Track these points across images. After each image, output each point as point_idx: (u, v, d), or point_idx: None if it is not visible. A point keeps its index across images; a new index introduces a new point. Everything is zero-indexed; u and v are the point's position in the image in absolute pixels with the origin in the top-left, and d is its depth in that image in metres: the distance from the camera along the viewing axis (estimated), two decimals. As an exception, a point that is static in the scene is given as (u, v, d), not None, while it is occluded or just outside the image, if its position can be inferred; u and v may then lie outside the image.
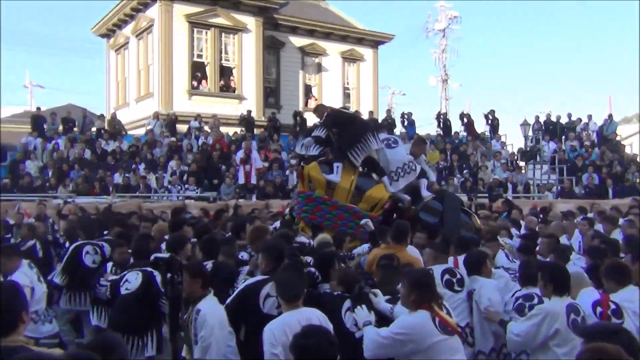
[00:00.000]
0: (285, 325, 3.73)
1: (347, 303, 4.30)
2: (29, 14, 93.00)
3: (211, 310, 3.96)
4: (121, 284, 4.70)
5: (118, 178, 16.27)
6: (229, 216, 10.48)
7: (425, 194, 8.38)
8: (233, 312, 4.32)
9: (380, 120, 22.14)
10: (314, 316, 3.84)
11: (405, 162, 8.34)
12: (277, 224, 8.68)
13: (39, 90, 43.00)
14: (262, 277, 4.62)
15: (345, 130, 8.20)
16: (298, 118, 20.95)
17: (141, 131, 20.57)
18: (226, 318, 4.13)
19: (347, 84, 27.32)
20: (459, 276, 5.31)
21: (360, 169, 8.28)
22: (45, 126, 19.53)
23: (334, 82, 26.70)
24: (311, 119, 17.45)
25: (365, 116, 21.86)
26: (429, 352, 3.70)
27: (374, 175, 8.31)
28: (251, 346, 4.08)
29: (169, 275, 3.10)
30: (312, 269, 4.78)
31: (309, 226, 7.95)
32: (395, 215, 8.21)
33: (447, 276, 5.27)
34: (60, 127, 19.60)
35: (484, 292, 5.06)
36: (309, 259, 5.12)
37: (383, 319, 4.20)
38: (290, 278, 3.94)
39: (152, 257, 3.23)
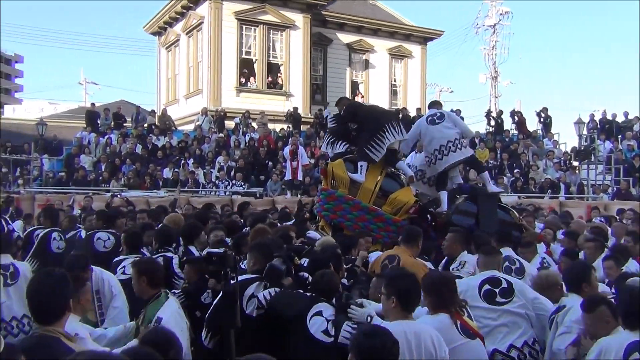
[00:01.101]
0: (402, 332, 3.25)
1: (319, 307, 3.97)
2: (84, 15, 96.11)
3: (173, 319, 3.71)
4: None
5: (168, 173, 16.61)
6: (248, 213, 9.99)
7: (493, 188, 8.00)
8: (217, 312, 4.19)
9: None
10: (426, 332, 3.37)
11: (450, 140, 7.75)
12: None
13: (93, 87, 44.38)
14: (248, 277, 4.40)
15: (362, 126, 7.84)
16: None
17: (190, 127, 20.95)
18: (187, 327, 3.95)
19: (395, 81, 27.09)
20: (504, 285, 4.44)
21: (389, 171, 7.90)
22: (98, 121, 20.10)
23: (381, 79, 26.51)
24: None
25: (413, 113, 21.65)
26: (450, 356, 3.54)
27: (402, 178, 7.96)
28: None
29: (222, 270, 3.09)
30: (304, 274, 4.50)
31: (329, 225, 7.67)
32: (427, 219, 7.81)
33: (487, 286, 4.43)
34: (112, 123, 20.16)
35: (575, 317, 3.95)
36: (304, 261, 4.88)
37: None
38: (417, 286, 3.55)
39: (205, 252, 3.24)
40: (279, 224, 7.83)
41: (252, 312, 4.18)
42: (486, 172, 8.25)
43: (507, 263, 5.59)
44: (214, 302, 4.08)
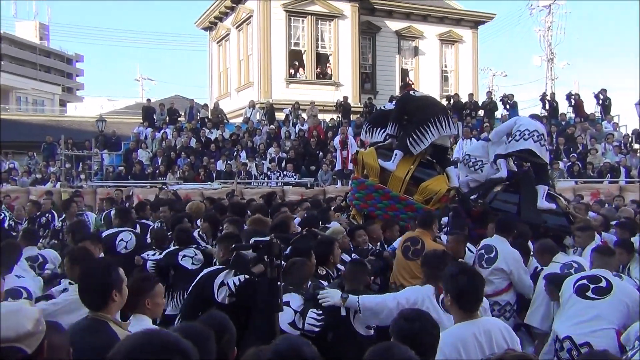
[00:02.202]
0: (458, 340, 3.20)
1: (286, 297, 3.93)
2: (138, 13, 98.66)
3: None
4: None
5: (221, 165, 16.99)
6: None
7: (544, 204, 7.14)
8: (192, 301, 4.49)
9: (480, 104, 21.42)
10: (495, 327, 3.31)
11: (538, 130, 7.23)
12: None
13: (149, 83, 45.66)
14: (218, 267, 4.66)
15: (410, 117, 7.61)
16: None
17: (242, 120, 21.32)
18: None
19: (445, 67, 26.66)
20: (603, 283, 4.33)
21: (423, 160, 7.69)
22: (154, 117, 20.72)
23: (431, 66, 26.15)
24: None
25: (465, 99, 21.29)
26: None
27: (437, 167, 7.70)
28: None
29: (267, 258, 3.21)
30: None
31: (360, 214, 7.62)
32: (468, 208, 7.50)
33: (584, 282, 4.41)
34: (167, 118, 20.75)
35: None
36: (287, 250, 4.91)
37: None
38: (472, 283, 3.41)
39: (252, 241, 3.36)
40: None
41: (224, 299, 4.32)
42: (546, 186, 7.43)
43: (482, 250, 5.63)
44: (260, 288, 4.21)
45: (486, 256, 5.54)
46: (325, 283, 4.55)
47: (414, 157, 7.55)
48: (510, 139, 7.41)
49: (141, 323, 3.20)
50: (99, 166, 18.96)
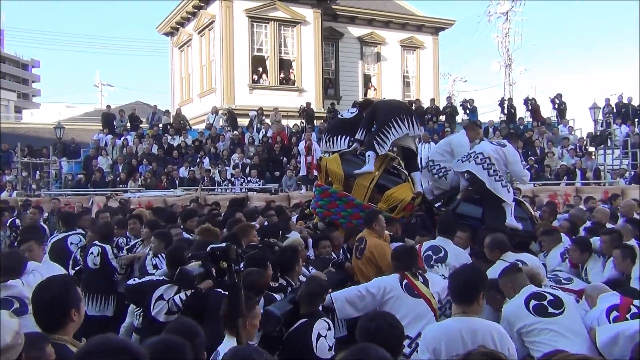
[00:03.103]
0: (442, 333, 3.37)
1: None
2: (97, 18, 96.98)
3: None
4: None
5: (184, 172, 16.81)
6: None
7: (512, 222, 6.76)
8: (131, 294, 4.59)
9: (441, 109, 21.79)
10: (485, 329, 3.34)
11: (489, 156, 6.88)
12: (294, 219, 8.65)
13: (109, 89, 44.84)
14: (159, 279, 4.56)
15: (376, 119, 7.47)
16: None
17: (205, 126, 21.14)
18: None
19: (407, 72, 27.03)
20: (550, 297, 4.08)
21: (389, 167, 7.53)
22: (115, 123, 20.36)
23: (393, 71, 26.47)
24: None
25: (426, 104, 21.62)
26: (387, 304, 4.26)
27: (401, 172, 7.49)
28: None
29: (225, 264, 3.19)
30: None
31: (323, 222, 7.43)
32: (433, 216, 7.45)
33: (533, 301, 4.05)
34: (128, 124, 20.42)
35: None
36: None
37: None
38: (467, 279, 3.51)
39: (209, 247, 3.33)
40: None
41: (159, 315, 4.17)
42: (512, 204, 6.98)
43: (429, 252, 5.52)
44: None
45: (435, 256, 5.48)
46: (278, 296, 4.32)
47: (379, 164, 7.38)
48: (457, 159, 7.22)
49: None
50: (57, 174, 18.52)
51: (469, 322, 3.34)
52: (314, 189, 8.30)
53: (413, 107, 20.80)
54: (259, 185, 16.12)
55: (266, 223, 7.69)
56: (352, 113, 8.36)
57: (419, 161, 8.20)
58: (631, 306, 3.91)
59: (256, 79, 23.18)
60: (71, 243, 7.23)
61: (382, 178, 7.31)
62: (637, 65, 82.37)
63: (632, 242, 6.12)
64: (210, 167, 16.86)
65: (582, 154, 18.24)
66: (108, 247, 6.63)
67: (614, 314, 3.88)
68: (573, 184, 15.91)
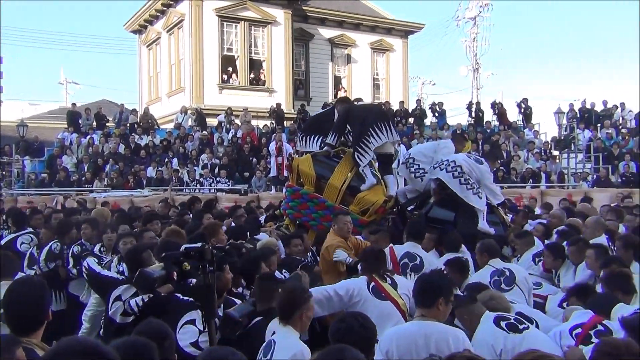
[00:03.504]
0: (395, 336, 3.37)
1: (192, 315, 3.80)
2: (63, 13, 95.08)
3: None
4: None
5: (151, 172, 16.58)
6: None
7: (484, 226, 6.80)
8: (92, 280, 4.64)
9: (410, 111, 21.99)
10: (441, 335, 3.30)
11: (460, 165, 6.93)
12: (262, 218, 8.53)
13: (74, 87, 43.86)
14: (119, 277, 4.53)
15: (352, 127, 7.36)
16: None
17: (173, 125, 20.90)
18: None
19: (377, 74, 27.21)
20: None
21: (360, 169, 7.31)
22: (80, 122, 19.97)
23: (363, 74, 26.62)
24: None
25: (395, 106, 21.78)
26: (354, 308, 4.21)
27: (371, 175, 7.25)
28: None
29: (201, 264, 3.14)
30: (193, 280, 4.12)
31: (294, 224, 7.32)
32: (405, 220, 7.33)
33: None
34: (94, 123, 20.05)
35: None
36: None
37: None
38: (425, 282, 3.52)
39: (182, 247, 3.28)
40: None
41: (115, 315, 4.06)
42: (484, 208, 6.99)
43: (406, 259, 5.44)
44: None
45: (411, 264, 5.43)
46: (238, 301, 4.19)
47: (351, 166, 7.25)
48: (432, 165, 7.23)
49: (288, 339, 3.21)
50: (20, 173, 18.04)
51: (424, 326, 3.32)
52: (284, 190, 8.11)
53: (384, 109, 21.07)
54: (228, 185, 16.00)
55: (233, 224, 7.54)
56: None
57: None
58: (598, 324, 3.78)
59: (226, 78, 23.02)
60: (22, 243, 6.96)
61: (354, 180, 7.17)
62: (598, 71, 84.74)
63: (603, 237, 6.25)
64: (178, 167, 16.66)
65: (546, 157, 18.62)
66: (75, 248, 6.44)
67: (578, 330, 3.77)
68: (538, 187, 16.21)
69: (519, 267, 5.46)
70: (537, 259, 6.22)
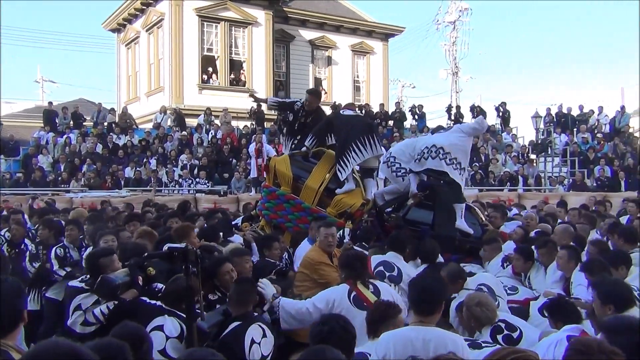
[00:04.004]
0: (392, 341, 3.22)
1: (158, 321, 3.62)
2: (40, 11, 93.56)
3: None
4: None
5: (129, 172, 16.39)
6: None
7: (462, 224, 6.91)
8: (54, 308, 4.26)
9: (390, 114, 22.09)
10: (440, 340, 3.21)
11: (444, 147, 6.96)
12: (239, 220, 8.39)
13: (51, 86, 43.22)
14: (80, 286, 4.13)
15: (336, 138, 7.17)
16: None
17: (152, 125, 20.71)
18: None
19: (357, 77, 27.29)
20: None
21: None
22: (57, 121, 19.68)
23: (344, 76, 26.68)
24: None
25: (376, 109, 21.86)
26: None
27: (350, 178, 7.14)
28: None
29: (184, 265, 3.09)
30: (158, 285, 4.07)
31: (269, 225, 7.17)
32: (383, 223, 7.30)
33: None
34: (71, 122, 19.77)
35: None
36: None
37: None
38: (426, 287, 3.35)
39: (166, 247, 3.24)
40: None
41: (75, 325, 3.82)
42: (463, 205, 7.11)
43: (381, 267, 5.22)
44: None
45: (388, 274, 5.15)
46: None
47: (329, 167, 7.15)
48: (414, 159, 7.21)
49: None
50: (-6, 172, 17.69)
51: (422, 331, 3.23)
52: (261, 190, 7.99)
53: (363, 112, 21.15)
54: (208, 186, 15.90)
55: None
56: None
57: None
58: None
59: (206, 79, 22.89)
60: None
61: (332, 181, 7.05)
62: (577, 75, 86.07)
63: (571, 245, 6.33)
64: (156, 168, 16.50)
65: (524, 161, 18.86)
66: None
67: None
68: (515, 190, 16.42)
69: (489, 277, 5.29)
70: (505, 263, 6.24)
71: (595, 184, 17.27)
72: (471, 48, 39.06)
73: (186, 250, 3.11)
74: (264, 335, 3.55)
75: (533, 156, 20.38)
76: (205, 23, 22.69)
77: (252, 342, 3.47)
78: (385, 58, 27.84)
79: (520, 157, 18.96)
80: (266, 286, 4.19)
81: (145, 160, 17.09)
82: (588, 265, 4.91)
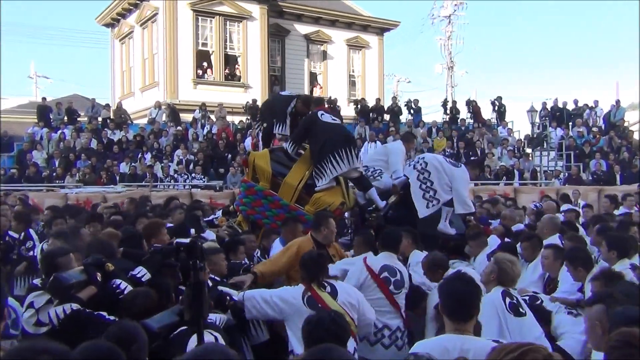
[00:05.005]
0: (430, 350, 2.87)
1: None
2: (33, 5, 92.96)
3: None
4: None
5: (124, 167, 16.32)
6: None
7: (444, 228, 6.85)
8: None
9: (385, 108, 22.07)
10: (480, 350, 2.84)
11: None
12: (219, 213, 8.22)
13: (44, 81, 42.99)
14: (34, 283, 3.99)
15: (313, 148, 6.93)
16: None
17: (147, 120, 20.61)
18: None
19: (353, 71, 27.21)
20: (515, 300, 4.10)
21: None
22: (51, 116, 19.57)
23: (339, 70, 26.59)
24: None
25: (371, 103, 21.83)
26: (289, 320, 4.12)
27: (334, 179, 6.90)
28: None
29: (191, 261, 3.02)
30: (117, 281, 3.93)
31: (247, 220, 7.00)
32: (364, 222, 7.13)
33: (508, 300, 4.04)
34: (65, 118, 19.66)
35: None
36: (141, 272, 4.20)
37: None
38: (461, 292, 3.07)
39: (174, 242, 3.19)
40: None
41: (27, 325, 3.65)
42: (450, 208, 7.02)
43: (386, 274, 4.89)
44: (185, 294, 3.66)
45: (393, 279, 4.87)
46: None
47: (309, 164, 6.94)
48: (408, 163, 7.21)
49: None
50: (-12, 168, 17.57)
51: (460, 340, 2.93)
52: (240, 185, 7.72)
53: (359, 106, 21.17)
54: (203, 181, 15.85)
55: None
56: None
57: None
58: None
59: (200, 74, 22.77)
60: None
61: (311, 179, 6.84)
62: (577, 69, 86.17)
63: (556, 238, 6.24)
64: (151, 163, 16.42)
65: (520, 155, 18.88)
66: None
67: None
68: (511, 184, 16.44)
69: (473, 273, 5.01)
70: (491, 258, 6.19)
71: (590, 178, 17.30)
72: (466, 42, 38.85)
73: (192, 245, 3.07)
74: (216, 342, 3.34)
75: (529, 150, 20.39)
76: (199, 17, 22.56)
77: None
78: (380, 52, 27.77)
79: (516, 151, 18.98)
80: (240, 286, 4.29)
81: (140, 155, 17.01)
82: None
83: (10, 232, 7.59)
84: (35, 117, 20.25)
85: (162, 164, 16.44)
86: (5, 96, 41.27)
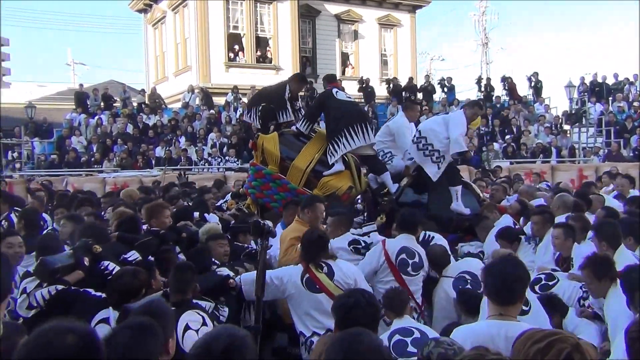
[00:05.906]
0: (469, 338, 2.78)
1: (104, 313, 3.45)
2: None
3: None
4: None
5: (160, 151, 16.59)
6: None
7: (458, 207, 6.75)
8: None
9: (418, 87, 21.78)
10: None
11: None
12: (229, 196, 8.31)
13: (81, 68, 43.88)
14: (28, 269, 3.99)
15: (327, 125, 6.94)
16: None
17: (180, 105, 20.85)
18: None
19: (385, 50, 26.90)
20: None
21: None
22: (88, 102, 19.98)
23: (371, 50, 26.31)
24: (349, 87, 17.34)
25: (404, 82, 21.57)
26: (290, 300, 4.19)
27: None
28: None
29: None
30: (105, 263, 4.01)
31: (255, 204, 6.99)
32: (376, 206, 6.97)
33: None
34: (102, 103, 20.05)
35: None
36: (133, 255, 4.35)
37: None
38: (507, 274, 2.89)
39: (252, 220, 3.32)
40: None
41: (20, 309, 3.69)
42: (459, 187, 6.96)
43: (404, 255, 4.85)
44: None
45: (411, 262, 4.83)
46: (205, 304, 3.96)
47: (318, 147, 6.87)
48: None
49: None
50: (30, 154, 18.12)
51: (504, 327, 2.76)
52: (248, 169, 7.67)
53: (391, 86, 20.95)
54: (237, 164, 15.99)
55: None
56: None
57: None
58: None
59: (232, 57, 22.86)
60: None
61: (320, 163, 6.77)
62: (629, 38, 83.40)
63: (562, 217, 5.91)
64: (186, 147, 16.65)
65: (557, 132, 18.43)
66: None
67: None
68: (548, 162, 16.10)
69: (477, 264, 5.00)
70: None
71: (632, 154, 16.80)
72: (501, 17, 38.06)
73: (258, 224, 3.16)
74: (204, 324, 3.39)
75: (567, 127, 19.91)
76: (230, 0, 22.58)
77: (187, 327, 3.30)
78: (412, 30, 27.35)
79: (553, 128, 18.54)
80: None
81: (174, 139, 17.26)
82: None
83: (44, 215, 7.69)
84: (73, 103, 20.71)
85: (197, 148, 16.65)
86: (45, 83, 42.35)
